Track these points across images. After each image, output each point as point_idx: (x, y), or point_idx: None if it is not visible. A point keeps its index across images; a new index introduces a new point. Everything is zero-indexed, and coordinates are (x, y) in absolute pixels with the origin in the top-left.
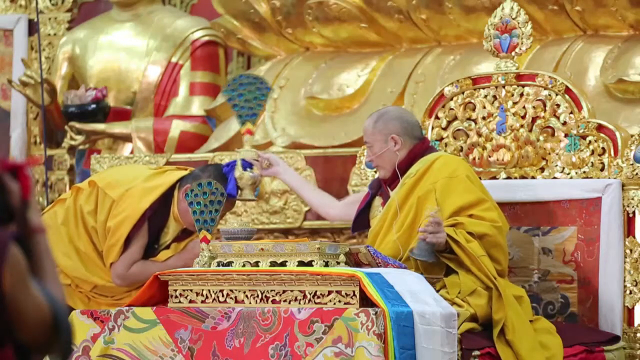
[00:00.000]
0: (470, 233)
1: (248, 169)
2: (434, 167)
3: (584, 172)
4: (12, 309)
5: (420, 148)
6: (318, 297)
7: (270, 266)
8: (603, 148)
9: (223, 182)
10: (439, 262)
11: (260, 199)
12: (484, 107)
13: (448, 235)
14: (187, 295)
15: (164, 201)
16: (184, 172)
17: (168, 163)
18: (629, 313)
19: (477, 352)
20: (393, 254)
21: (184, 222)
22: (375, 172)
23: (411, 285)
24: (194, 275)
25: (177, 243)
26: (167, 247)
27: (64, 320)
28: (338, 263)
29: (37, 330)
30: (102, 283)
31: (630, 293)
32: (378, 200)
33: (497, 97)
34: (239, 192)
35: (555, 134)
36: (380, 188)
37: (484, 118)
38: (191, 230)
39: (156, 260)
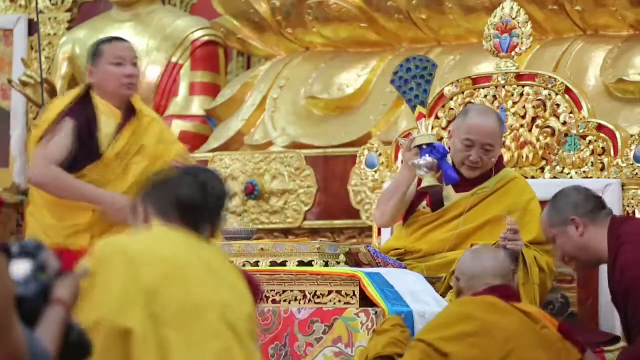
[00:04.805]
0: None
1: (427, 155)
2: (510, 191)
3: (584, 172)
4: None
5: (502, 160)
6: (318, 297)
7: (270, 266)
8: (603, 148)
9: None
10: None
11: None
12: None
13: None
14: None
15: (84, 104)
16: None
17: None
18: None
19: None
20: (431, 250)
21: (107, 89)
22: (376, 171)
23: (411, 285)
24: None
25: (121, 136)
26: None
27: None
28: (338, 263)
29: None
30: (83, 221)
31: None
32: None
33: (497, 97)
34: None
35: (555, 134)
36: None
37: None
38: (121, 93)
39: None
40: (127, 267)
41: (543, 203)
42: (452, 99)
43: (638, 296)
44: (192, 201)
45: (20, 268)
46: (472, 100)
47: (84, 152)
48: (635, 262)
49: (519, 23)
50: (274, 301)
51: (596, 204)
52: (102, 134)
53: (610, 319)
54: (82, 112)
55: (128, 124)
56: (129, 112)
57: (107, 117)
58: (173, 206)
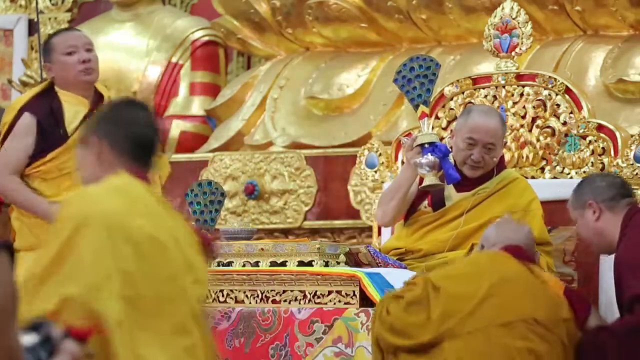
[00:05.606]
0: None
1: (429, 154)
2: (511, 191)
3: (584, 172)
4: None
5: (504, 160)
6: (318, 297)
7: (270, 266)
8: (603, 148)
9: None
10: None
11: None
12: None
13: None
14: None
15: (46, 97)
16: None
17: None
18: None
19: None
20: (431, 250)
21: (67, 79)
22: (376, 171)
23: None
24: None
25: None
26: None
27: None
28: (338, 263)
29: None
30: None
31: None
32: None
33: (497, 97)
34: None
35: (555, 134)
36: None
37: None
38: (81, 80)
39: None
40: (106, 242)
41: (543, 203)
42: (452, 99)
43: (627, 282)
44: (148, 139)
45: (27, 340)
46: (472, 100)
47: (51, 140)
48: (630, 248)
49: (519, 23)
50: (274, 301)
51: (619, 192)
52: (69, 121)
53: (610, 319)
54: (44, 105)
55: (96, 110)
56: (98, 100)
57: (74, 106)
58: (130, 145)
